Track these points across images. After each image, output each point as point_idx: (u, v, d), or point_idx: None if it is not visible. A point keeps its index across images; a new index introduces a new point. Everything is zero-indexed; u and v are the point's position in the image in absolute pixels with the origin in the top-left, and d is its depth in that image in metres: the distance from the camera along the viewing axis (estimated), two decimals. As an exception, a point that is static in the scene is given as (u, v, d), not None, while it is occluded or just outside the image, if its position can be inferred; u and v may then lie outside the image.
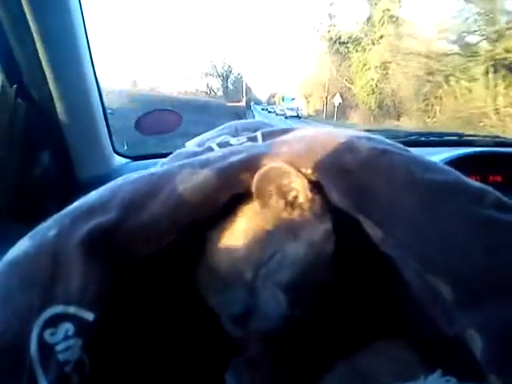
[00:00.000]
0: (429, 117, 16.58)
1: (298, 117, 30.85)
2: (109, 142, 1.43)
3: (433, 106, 16.51)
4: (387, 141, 0.55)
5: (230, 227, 0.55)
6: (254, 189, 0.53)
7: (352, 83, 25.87)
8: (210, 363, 0.61)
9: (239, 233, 0.54)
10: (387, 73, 20.97)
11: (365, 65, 24.15)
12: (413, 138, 1.85)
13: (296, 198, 0.54)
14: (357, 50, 25.33)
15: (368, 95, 23.24)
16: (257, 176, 0.52)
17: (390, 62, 20.42)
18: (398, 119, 19.28)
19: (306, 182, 0.53)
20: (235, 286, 0.54)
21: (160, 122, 1.58)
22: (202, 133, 0.71)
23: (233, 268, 0.54)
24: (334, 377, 0.53)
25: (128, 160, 1.56)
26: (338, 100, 25.03)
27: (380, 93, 22.08)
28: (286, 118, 29.54)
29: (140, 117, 1.53)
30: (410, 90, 17.84)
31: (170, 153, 1.44)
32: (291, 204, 0.54)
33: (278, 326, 0.53)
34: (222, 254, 0.55)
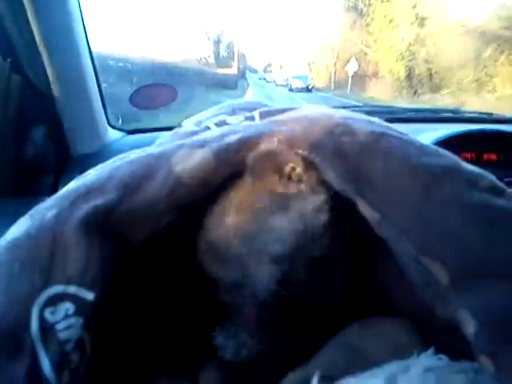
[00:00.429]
0: (488, 91, 12.65)
1: (307, 89, 22.09)
2: (103, 115, 1.42)
3: (491, 77, 12.81)
4: (385, 124, 0.55)
5: (224, 202, 0.55)
6: (248, 165, 0.53)
7: (368, 46, 19.67)
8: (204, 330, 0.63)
9: (233, 207, 0.55)
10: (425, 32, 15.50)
11: (392, 21, 17.95)
12: (409, 114, 1.84)
13: (290, 172, 0.54)
14: (382, 0, 18.49)
15: (397, 61, 17.38)
16: (252, 154, 0.52)
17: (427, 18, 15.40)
18: (437, 92, 14.84)
19: (300, 158, 0.53)
20: (229, 259, 0.54)
21: (155, 96, 1.58)
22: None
23: (227, 242, 0.54)
24: (327, 353, 0.54)
25: (122, 134, 1.56)
26: (352, 67, 18.58)
27: (412, 58, 16.61)
28: (291, 90, 22.30)
29: (134, 91, 1.52)
30: (459, 54, 13.26)
31: (165, 127, 1.45)
32: (285, 177, 0.54)
33: (271, 298, 0.54)
34: (217, 228, 0.55)
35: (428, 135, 1.40)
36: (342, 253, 0.58)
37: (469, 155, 1.46)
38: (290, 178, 0.54)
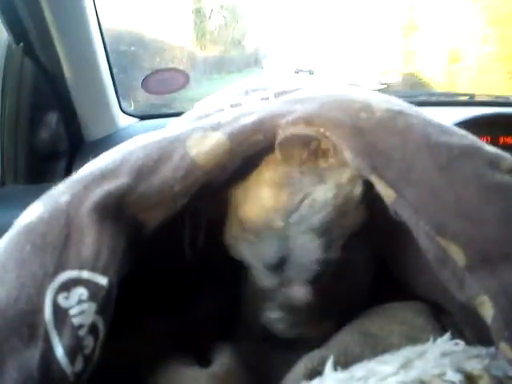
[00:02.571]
0: None
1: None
2: (116, 101, 1.42)
3: None
4: (404, 103, 0.54)
5: (255, 179, 0.55)
6: (277, 149, 0.52)
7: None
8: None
9: (265, 183, 0.54)
10: None
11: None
12: (423, 97, 1.82)
13: (319, 147, 0.53)
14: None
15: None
16: (280, 139, 0.52)
17: None
18: None
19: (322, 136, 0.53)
20: (267, 235, 0.54)
21: (166, 81, 1.57)
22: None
23: (263, 218, 0.54)
24: (342, 338, 0.54)
25: (135, 120, 1.55)
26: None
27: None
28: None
29: (146, 76, 1.52)
30: None
31: (178, 112, 1.45)
32: (315, 153, 0.54)
33: (312, 270, 0.53)
34: (250, 206, 0.55)
35: (444, 119, 1.37)
36: (363, 231, 0.57)
37: (485, 139, 1.43)
38: (317, 154, 0.54)
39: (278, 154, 0.53)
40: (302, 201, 0.53)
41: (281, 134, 0.51)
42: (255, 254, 0.56)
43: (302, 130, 0.51)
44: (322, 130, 0.50)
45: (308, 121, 0.51)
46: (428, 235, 0.44)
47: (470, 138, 0.48)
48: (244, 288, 0.65)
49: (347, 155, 0.49)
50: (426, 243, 0.45)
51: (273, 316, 0.59)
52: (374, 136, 0.48)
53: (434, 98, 1.85)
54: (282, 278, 0.54)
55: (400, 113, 0.49)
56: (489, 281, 0.40)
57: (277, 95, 0.59)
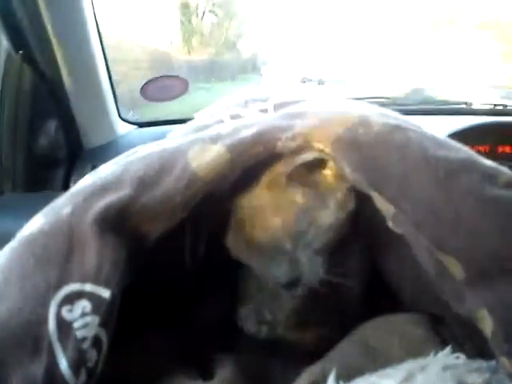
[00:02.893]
0: None
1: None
2: (115, 108, 1.43)
3: None
4: (401, 117, 0.54)
5: (260, 200, 0.56)
6: (283, 176, 0.54)
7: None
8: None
9: (272, 207, 0.55)
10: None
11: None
12: (420, 106, 1.82)
13: (319, 164, 0.55)
14: None
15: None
16: (290, 170, 0.53)
17: None
18: None
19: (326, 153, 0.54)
20: (278, 257, 0.55)
21: (165, 88, 1.57)
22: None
23: (273, 241, 0.55)
24: (342, 350, 0.54)
25: (134, 127, 1.56)
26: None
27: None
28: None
29: (145, 83, 1.52)
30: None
31: (177, 120, 1.45)
32: (316, 174, 0.56)
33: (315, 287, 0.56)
34: (258, 227, 0.56)
35: (441, 128, 1.38)
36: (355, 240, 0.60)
37: (483, 148, 1.44)
38: (317, 170, 0.55)
39: (282, 179, 0.54)
40: (309, 226, 0.55)
41: (288, 163, 0.53)
42: (269, 273, 0.57)
43: (306, 157, 0.52)
44: (321, 145, 0.50)
45: (307, 136, 0.51)
46: (427, 250, 0.44)
47: (467, 151, 0.48)
48: (242, 288, 0.67)
49: (346, 170, 0.49)
50: (425, 257, 0.45)
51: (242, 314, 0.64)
52: (372, 151, 0.48)
53: (431, 106, 1.84)
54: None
55: (397, 127, 0.50)
56: (488, 295, 0.40)
57: (276, 107, 0.60)
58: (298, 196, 0.55)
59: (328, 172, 0.55)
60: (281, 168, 0.54)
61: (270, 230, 0.55)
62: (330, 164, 0.54)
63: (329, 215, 0.55)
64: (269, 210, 0.55)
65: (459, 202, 0.44)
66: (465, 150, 0.49)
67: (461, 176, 0.45)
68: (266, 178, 0.55)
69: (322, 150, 0.51)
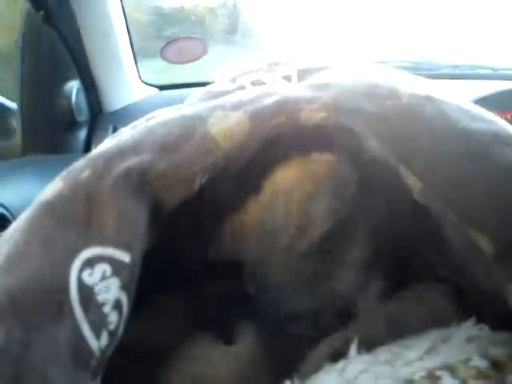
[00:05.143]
0: None
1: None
2: (135, 71, 1.42)
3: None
4: (431, 85, 0.52)
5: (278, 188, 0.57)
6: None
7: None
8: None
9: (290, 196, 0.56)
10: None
11: None
12: (445, 70, 1.78)
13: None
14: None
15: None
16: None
17: None
18: None
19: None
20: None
21: (185, 50, 1.56)
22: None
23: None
24: (364, 320, 0.54)
25: (155, 90, 1.55)
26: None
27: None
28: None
29: (164, 45, 1.51)
30: None
31: (198, 82, 1.44)
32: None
33: None
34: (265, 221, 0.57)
35: (467, 93, 1.35)
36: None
37: (509, 115, 1.41)
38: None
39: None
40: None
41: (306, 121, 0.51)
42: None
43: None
44: (345, 118, 0.49)
45: (332, 109, 0.50)
46: (456, 225, 0.43)
47: (502, 123, 0.47)
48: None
49: (372, 143, 0.48)
50: (454, 233, 0.44)
51: None
52: (400, 123, 0.47)
53: (456, 71, 1.81)
54: None
55: (428, 98, 0.48)
56: None
57: (300, 73, 0.58)
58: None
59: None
60: None
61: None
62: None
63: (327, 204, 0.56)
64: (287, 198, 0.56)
65: (491, 175, 0.42)
66: (499, 122, 0.47)
67: (495, 150, 0.43)
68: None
69: (346, 124, 0.50)
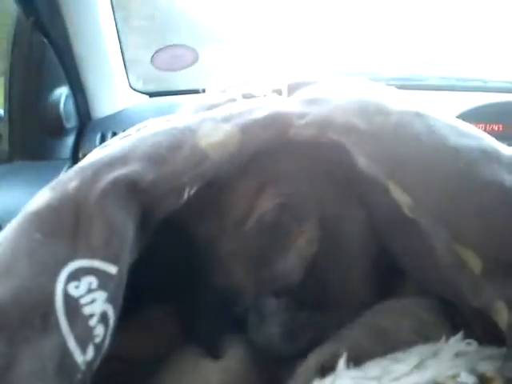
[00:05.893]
0: None
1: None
2: (125, 77, 1.42)
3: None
4: (420, 102, 0.53)
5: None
6: None
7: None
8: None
9: None
10: None
11: None
12: (433, 81, 1.79)
13: None
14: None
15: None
16: None
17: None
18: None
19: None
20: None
21: (175, 57, 1.56)
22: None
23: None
24: (351, 332, 0.54)
25: (145, 96, 1.55)
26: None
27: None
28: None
29: (155, 52, 1.51)
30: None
31: (188, 90, 1.43)
32: None
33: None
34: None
35: (455, 105, 1.36)
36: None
37: (496, 127, 1.42)
38: None
39: None
40: None
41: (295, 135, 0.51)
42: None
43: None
44: (335, 135, 0.49)
45: (322, 125, 0.50)
46: (445, 242, 0.43)
47: (489, 140, 0.47)
48: None
49: (362, 162, 0.48)
50: (443, 250, 0.44)
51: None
52: (390, 141, 0.47)
53: (444, 82, 1.81)
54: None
55: (417, 114, 0.48)
56: (506, 288, 0.40)
57: (290, 88, 0.58)
58: None
59: None
60: None
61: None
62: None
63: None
64: None
65: (480, 192, 0.43)
66: (487, 139, 0.47)
67: (483, 166, 0.44)
68: None
69: (336, 140, 0.50)
